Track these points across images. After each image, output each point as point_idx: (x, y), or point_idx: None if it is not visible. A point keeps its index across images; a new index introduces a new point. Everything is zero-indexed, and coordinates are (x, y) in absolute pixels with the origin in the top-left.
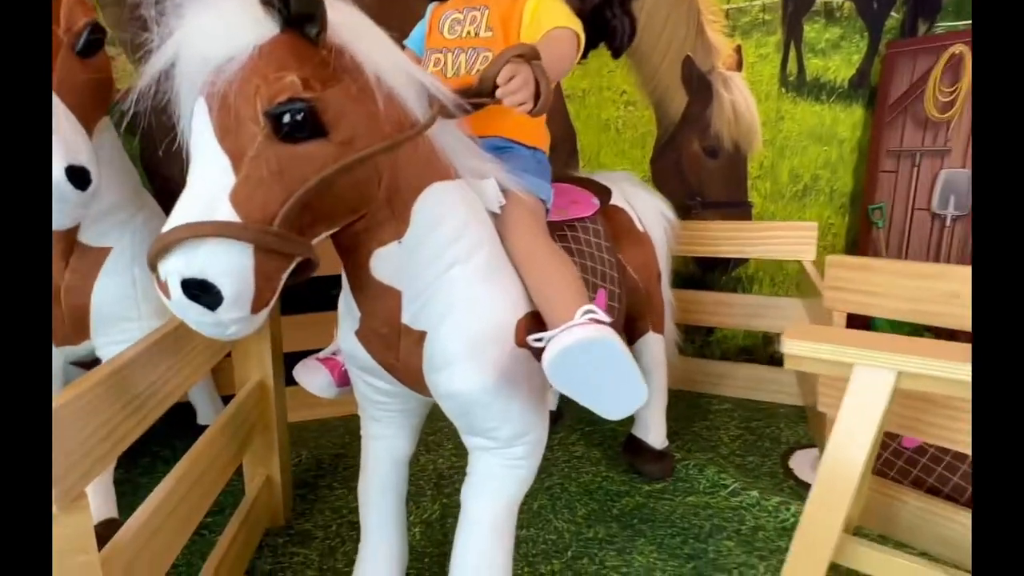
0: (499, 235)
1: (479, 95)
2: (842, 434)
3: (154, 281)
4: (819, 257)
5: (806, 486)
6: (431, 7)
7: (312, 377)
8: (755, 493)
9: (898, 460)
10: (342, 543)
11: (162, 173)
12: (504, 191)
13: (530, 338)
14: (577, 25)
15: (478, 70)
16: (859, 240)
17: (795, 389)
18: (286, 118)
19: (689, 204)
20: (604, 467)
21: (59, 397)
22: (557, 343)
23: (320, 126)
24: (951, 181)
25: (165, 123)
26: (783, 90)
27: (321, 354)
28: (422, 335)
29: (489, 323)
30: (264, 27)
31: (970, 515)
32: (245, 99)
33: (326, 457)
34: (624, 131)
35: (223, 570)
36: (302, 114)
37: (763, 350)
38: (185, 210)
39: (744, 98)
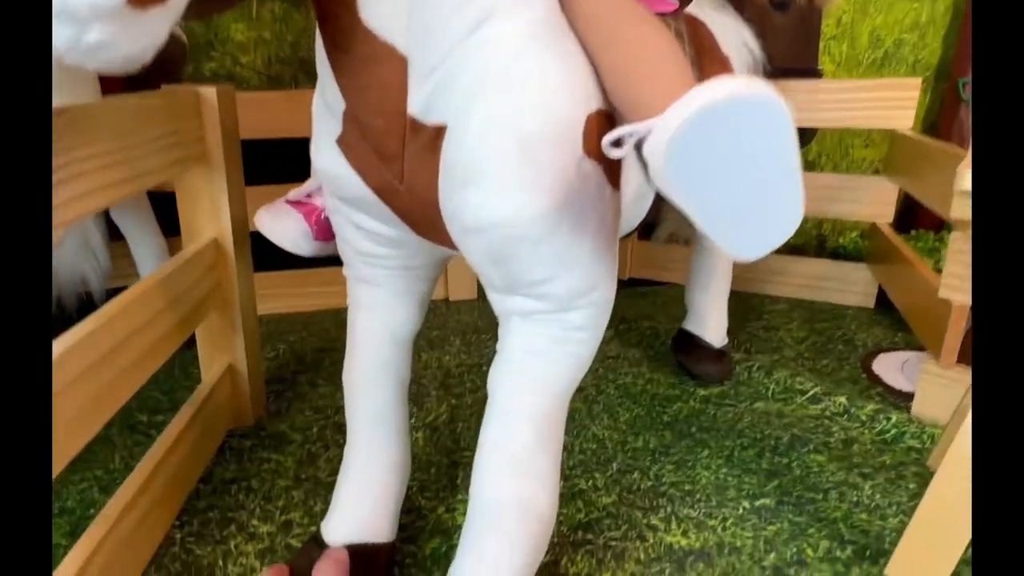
0: None
1: None
2: None
3: None
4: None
5: (900, 394)
6: None
7: (281, 225)
8: (842, 399)
9: None
10: (325, 448)
11: None
12: None
13: (611, 136)
14: None
15: None
16: (941, 120)
17: (864, 288)
18: None
19: None
20: (646, 368)
21: None
22: (682, 108)
23: None
24: None
25: None
26: None
27: (292, 194)
28: (439, 132)
29: (545, 114)
30: None
31: None
32: None
33: (309, 351)
34: None
35: (165, 472)
36: None
37: (815, 250)
38: None
39: None
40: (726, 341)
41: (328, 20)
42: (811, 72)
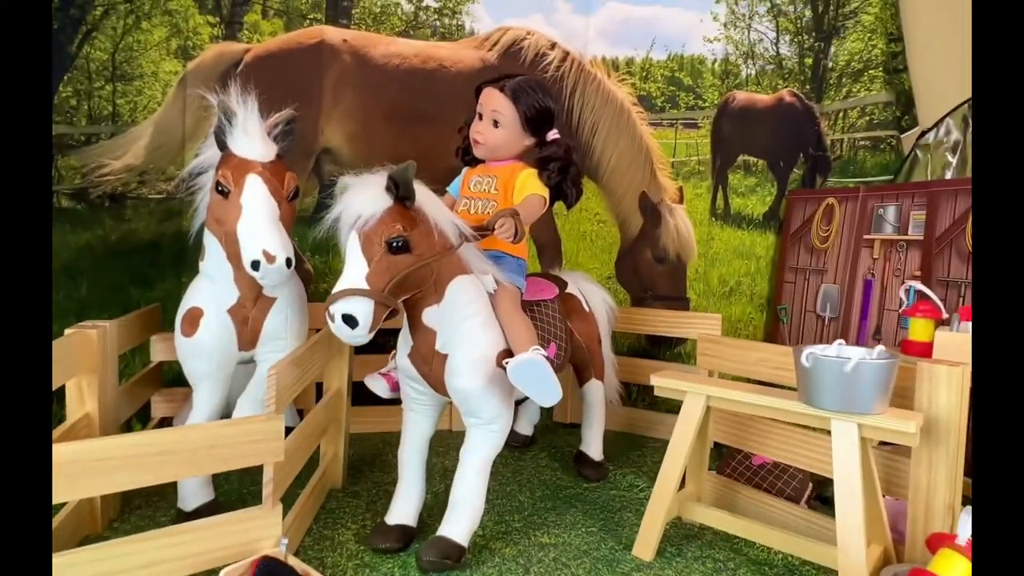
0: (492, 305)
1: (486, 230)
2: (678, 432)
3: (327, 315)
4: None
5: None
6: (465, 170)
7: (376, 383)
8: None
9: (748, 472)
10: (379, 500)
11: None
12: (497, 281)
13: (504, 361)
14: (545, 192)
15: (487, 213)
16: (771, 331)
17: None
18: (394, 244)
19: (642, 296)
20: (559, 471)
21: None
22: (515, 359)
23: (409, 247)
24: (827, 292)
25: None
26: (713, 219)
27: (383, 369)
28: (446, 356)
29: (483, 353)
30: (386, 200)
31: (777, 503)
32: (377, 235)
33: (368, 454)
34: (596, 240)
35: (309, 502)
36: (401, 242)
37: None
38: (345, 282)
39: (684, 223)
40: (603, 457)
41: (411, 320)
42: (681, 298)
